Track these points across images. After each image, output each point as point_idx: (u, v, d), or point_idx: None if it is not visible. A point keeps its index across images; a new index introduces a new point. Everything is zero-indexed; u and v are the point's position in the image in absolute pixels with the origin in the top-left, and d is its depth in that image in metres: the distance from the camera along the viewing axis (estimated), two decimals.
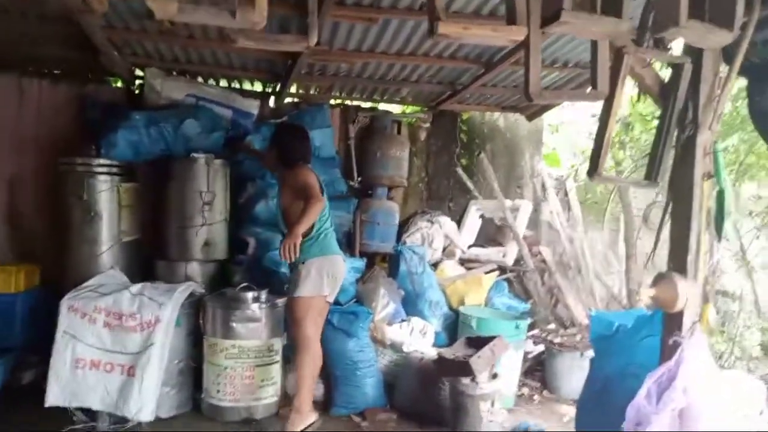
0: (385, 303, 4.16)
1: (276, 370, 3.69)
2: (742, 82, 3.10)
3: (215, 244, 4.17)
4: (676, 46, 2.42)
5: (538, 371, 4.73)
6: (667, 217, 2.38)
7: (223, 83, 4.93)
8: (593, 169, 2.40)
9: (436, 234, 5.19)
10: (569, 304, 5.09)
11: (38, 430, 3.26)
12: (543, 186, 5.78)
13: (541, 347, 4.68)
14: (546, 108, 5.30)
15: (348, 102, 5.37)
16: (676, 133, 2.34)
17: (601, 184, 6.45)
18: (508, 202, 5.36)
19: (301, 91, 5.10)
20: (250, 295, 3.63)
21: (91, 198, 3.87)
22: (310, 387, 3.46)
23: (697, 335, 2.22)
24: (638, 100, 2.58)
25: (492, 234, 5.68)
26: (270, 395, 3.66)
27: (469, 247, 5.44)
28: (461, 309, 4.42)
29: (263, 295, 3.68)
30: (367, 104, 5.43)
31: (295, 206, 3.37)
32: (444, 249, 5.28)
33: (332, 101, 5.26)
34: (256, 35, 2.56)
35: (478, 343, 3.63)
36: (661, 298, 2.26)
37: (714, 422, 2.14)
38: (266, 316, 3.60)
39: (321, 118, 4.90)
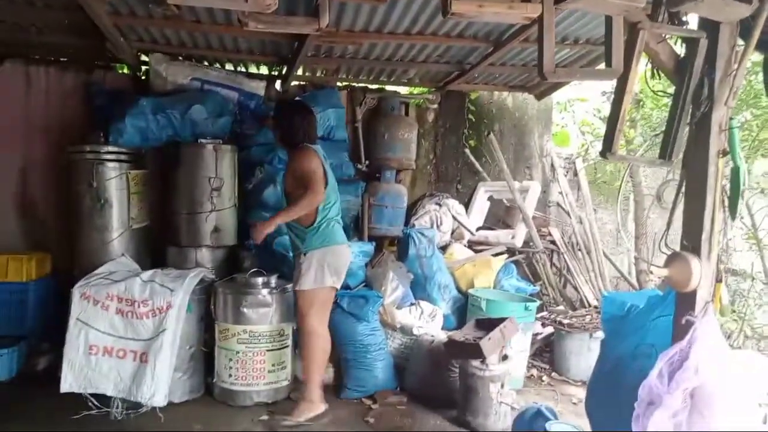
0: (394, 287, 4.16)
1: (287, 354, 3.71)
2: (756, 57, 3.03)
3: (225, 229, 4.18)
4: (691, 21, 2.36)
5: (547, 353, 4.74)
6: (681, 195, 2.35)
7: (229, 67, 4.89)
8: (607, 148, 2.37)
9: (445, 217, 5.17)
10: (579, 285, 5.07)
11: (56, 414, 3.30)
12: (552, 166, 5.72)
13: (550, 329, 4.67)
14: (556, 87, 5.22)
15: (355, 84, 5.32)
16: (690, 110, 2.30)
17: (612, 163, 6.39)
18: (516, 184, 5.31)
19: (307, 74, 5.07)
20: (260, 280, 3.64)
21: (100, 185, 3.88)
22: (318, 376, 3.46)
23: (709, 315, 2.20)
24: (652, 76, 2.52)
25: (501, 216, 5.66)
26: (281, 379, 3.68)
27: (478, 229, 5.42)
28: (470, 291, 4.40)
29: (273, 280, 3.69)
30: (374, 86, 5.38)
31: (296, 193, 3.28)
32: (453, 232, 5.25)
33: (339, 83, 5.22)
34: (266, 18, 2.52)
35: (488, 325, 3.63)
36: (674, 278, 2.25)
37: (726, 402, 2.13)
38: (276, 301, 3.61)
39: (335, 98, 4.90)
